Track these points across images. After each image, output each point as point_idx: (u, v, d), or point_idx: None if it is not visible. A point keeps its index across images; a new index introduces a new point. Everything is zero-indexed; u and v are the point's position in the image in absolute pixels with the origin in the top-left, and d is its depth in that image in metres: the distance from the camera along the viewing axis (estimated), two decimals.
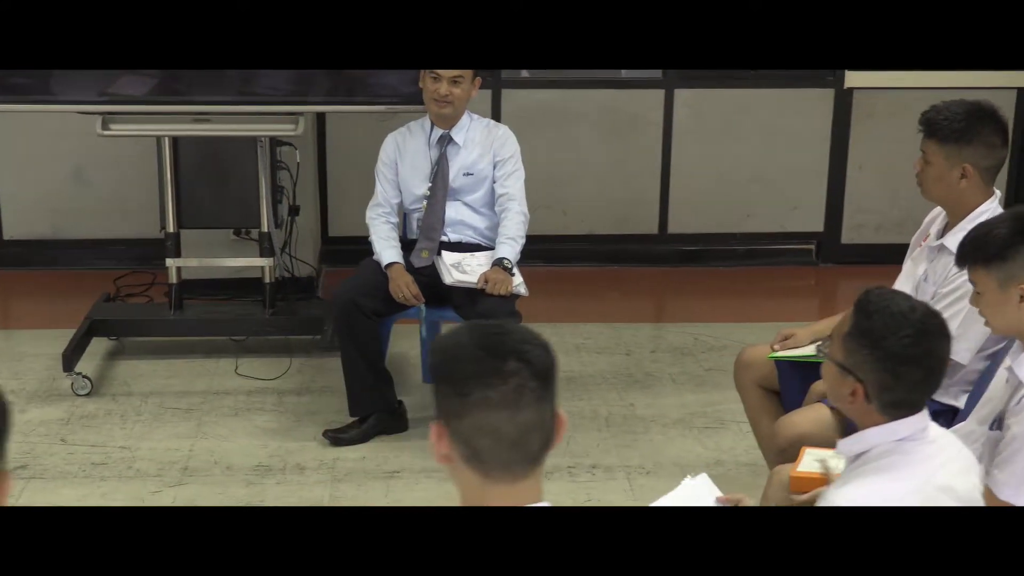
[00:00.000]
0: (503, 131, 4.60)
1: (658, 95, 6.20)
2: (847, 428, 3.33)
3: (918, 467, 2.31)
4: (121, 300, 5.63)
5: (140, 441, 4.45)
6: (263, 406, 4.75)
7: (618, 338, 5.42)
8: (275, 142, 5.11)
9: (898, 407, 2.33)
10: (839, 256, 6.41)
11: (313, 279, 5.70)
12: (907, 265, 3.70)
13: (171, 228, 5.05)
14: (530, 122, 5.84)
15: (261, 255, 5.12)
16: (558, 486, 4.12)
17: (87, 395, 4.76)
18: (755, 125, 6.24)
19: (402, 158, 4.56)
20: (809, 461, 3.00)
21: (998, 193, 3.50)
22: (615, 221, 6.35)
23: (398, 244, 4.51)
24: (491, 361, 1.88)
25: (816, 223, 6.39)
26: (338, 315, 4.40)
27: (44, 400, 4.74)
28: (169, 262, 5.07)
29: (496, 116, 5.96)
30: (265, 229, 5.08)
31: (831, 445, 3.33)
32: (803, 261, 6.44)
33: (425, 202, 4.52)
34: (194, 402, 4.76)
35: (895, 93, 6.16)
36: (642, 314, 5.97)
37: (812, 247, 6.45)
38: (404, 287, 4.36)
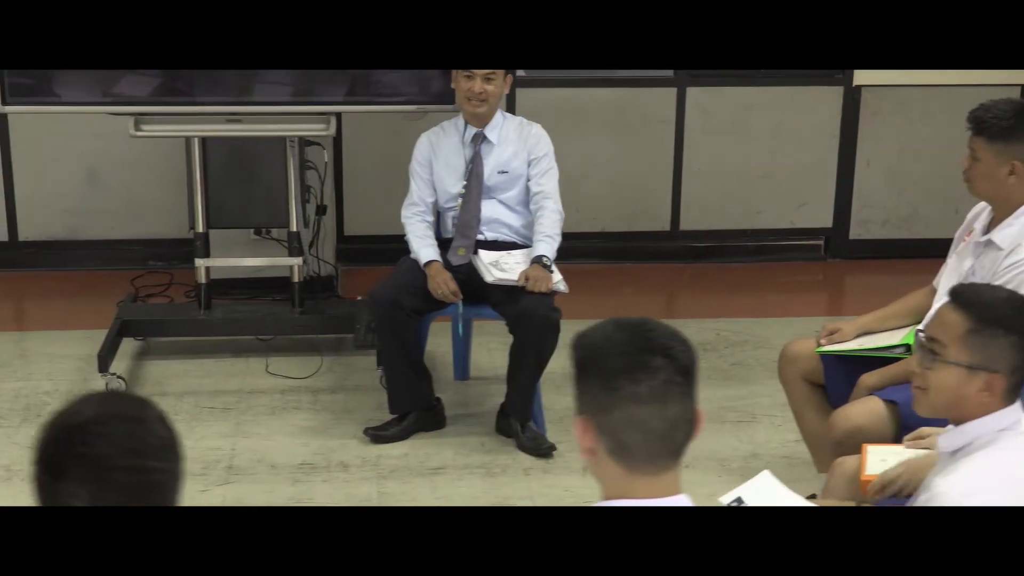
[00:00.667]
0: (536, 129, 4.65)
1: (669, 93, 6.25)
2: (902, 421, 3.43)
3: (1017, 454, 2.38)
4: (142, 301, 5.62)
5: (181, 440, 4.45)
6: (299, 405, 4.76)
7: None
8: (303, 142, 5.13)
9: (1017, 389, 2.39)
10: (847, 251, 6.48)
11: (333, 278, 5.72)
12: (951, 260, 3.77)
13: (200, 228, 5.05)
14: (543, 120, 5.87)
15: (290, 254, 5.14)
16: None
17: None
18: (765, 123, 6.31)
19: (436, 157, 4.59)
20: (875, 462, 3.05)
21: None
22: (626, 218, 6.40)
23: (435, 242, 4.54)
24: (639, 356, 1.93)
25: (825, 219, 6.46)
26: (380, 314, 4.42)
27: None
28: (198, 262, 5.07)
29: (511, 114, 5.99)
30: (294, 228, 5.10)
31: (886, 438, 3.42)
32: (812, 257, 6.51)
33: (460, 200, 4.55)
34: (229, 401, 4.77)
35: (903, 90, 6.25)
36: (656, 310, 6.01)
37: (821, 243, 6.52)
38: (443, 284, 4.39)
